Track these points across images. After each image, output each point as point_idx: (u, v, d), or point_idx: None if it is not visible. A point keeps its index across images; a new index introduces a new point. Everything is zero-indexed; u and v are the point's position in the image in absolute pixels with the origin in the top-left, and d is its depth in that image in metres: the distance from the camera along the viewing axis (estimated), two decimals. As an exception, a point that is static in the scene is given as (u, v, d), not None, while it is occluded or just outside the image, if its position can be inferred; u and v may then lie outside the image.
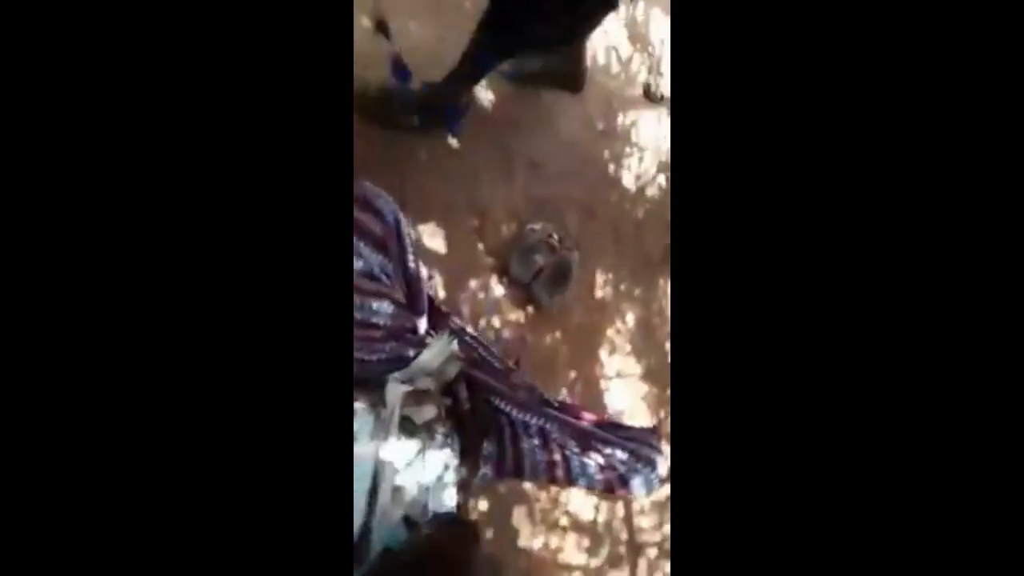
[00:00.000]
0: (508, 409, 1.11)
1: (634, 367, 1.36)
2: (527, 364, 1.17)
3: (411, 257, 0.92)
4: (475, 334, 1.06)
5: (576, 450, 1.09)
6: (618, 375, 1.33)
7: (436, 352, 1.05)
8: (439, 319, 1.03)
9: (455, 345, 1.05)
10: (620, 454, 1.05)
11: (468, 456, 1.11)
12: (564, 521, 1.20)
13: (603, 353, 1.33)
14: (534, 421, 1.09)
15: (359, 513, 0.74)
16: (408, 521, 0.82)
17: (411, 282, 0.94)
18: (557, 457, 1.11)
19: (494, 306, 1.16)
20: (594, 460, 1.08)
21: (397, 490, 0.82)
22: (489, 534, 1.10)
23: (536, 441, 1.12)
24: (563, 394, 1.22)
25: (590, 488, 1.12)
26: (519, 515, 1.16)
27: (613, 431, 1.09)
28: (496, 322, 1.17)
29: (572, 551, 1.20)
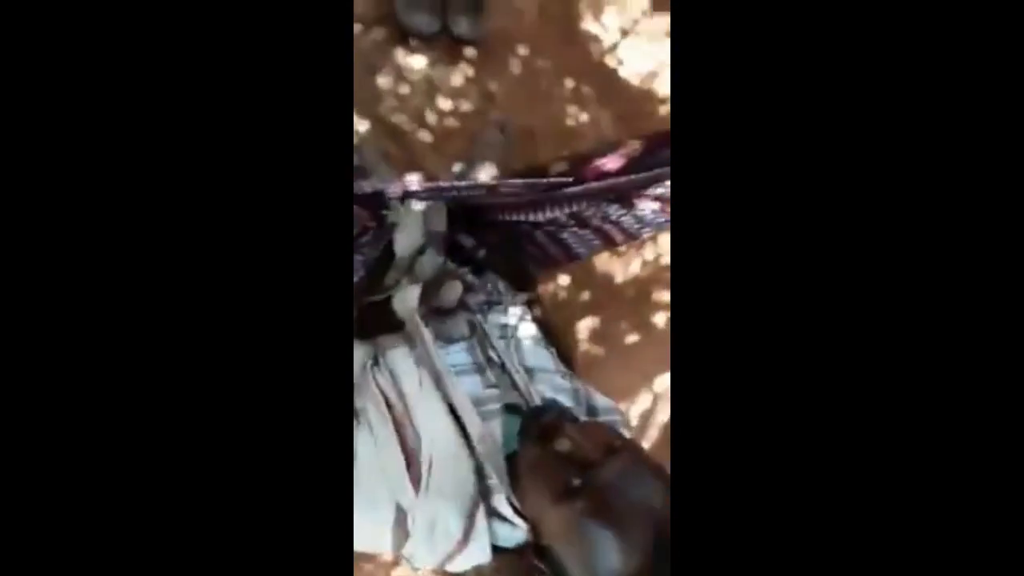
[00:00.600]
0: (523, 217, 0.91)
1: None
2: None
3: None
4: (436, 183, 0.79)
5: (622, 210, 0.90)
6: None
7: (409, 226, 0.82)
8: (375, 202, 0.77)
9: (420, 205, 0.81)
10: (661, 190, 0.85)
11: (516, 280, 0.98)
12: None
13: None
14: (558, 212, 0.89)
15: (464, 463, 0.65)
16: (511, 410, 0.73)
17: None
18: (608, 227, 0.94)
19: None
20: (648, 207, 0.89)
21: (480, 401, 0.70)
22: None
23: (575, 227, 0.94)
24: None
25: (658, 230, 0.97)
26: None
27: (642, 165, 0.86)
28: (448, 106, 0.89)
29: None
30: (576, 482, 0.53)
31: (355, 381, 0.76)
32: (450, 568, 0.65)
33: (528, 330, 0.92)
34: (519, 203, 0.87)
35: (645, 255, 1.67)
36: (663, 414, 1.71)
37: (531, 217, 0.90)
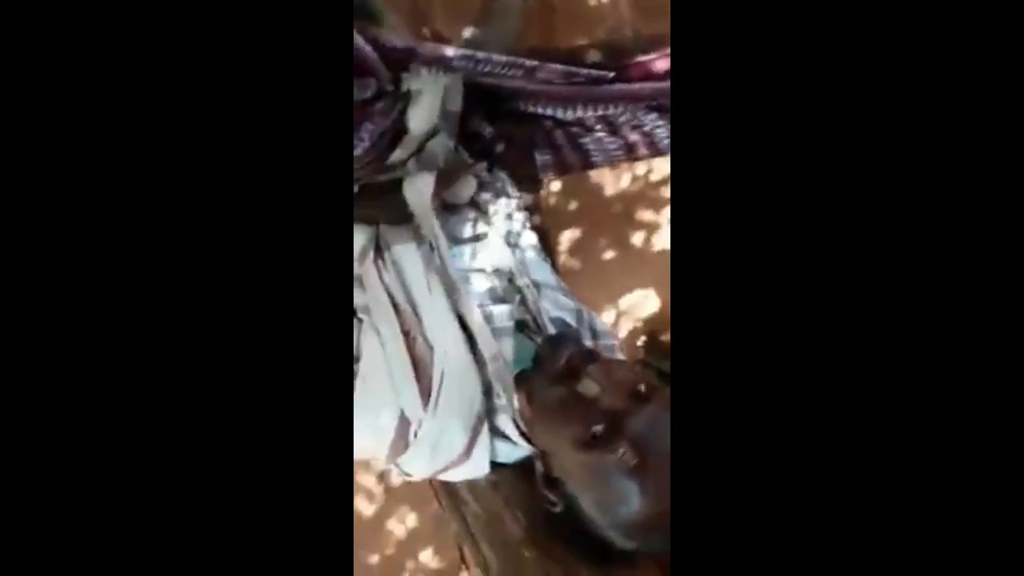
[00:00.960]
0: (548, 111, 0.80)
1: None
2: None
3: None
4: (465, 52, 0.66)
5: (659, 120, 0.81)
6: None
7: (429, 100, 0.69)
8: (403, 57, 0.63)
9: (446, 79, 0.68)
10: None
11: (524, 180, 0.89)
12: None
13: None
14: (589, 112, 0.78)
15: (472, 379, 0.60)
16: (523, 328, 0.68)
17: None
18: (635, 137, 0.85)
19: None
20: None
21: (490, 317, 0.64)
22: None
23: (600, 132, 0.84)
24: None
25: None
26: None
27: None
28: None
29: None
30: (599, 428, 0.50)
31: (357, 272, 0.68)
32: (444, 478, 0.63)
33: (530, 239, 0.85)
34: (549, 93, 0.76)
35: (636, 170, 1.60)
36: (622, 331, 1.76)
37: (558, 113, 0.79)
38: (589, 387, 0.52)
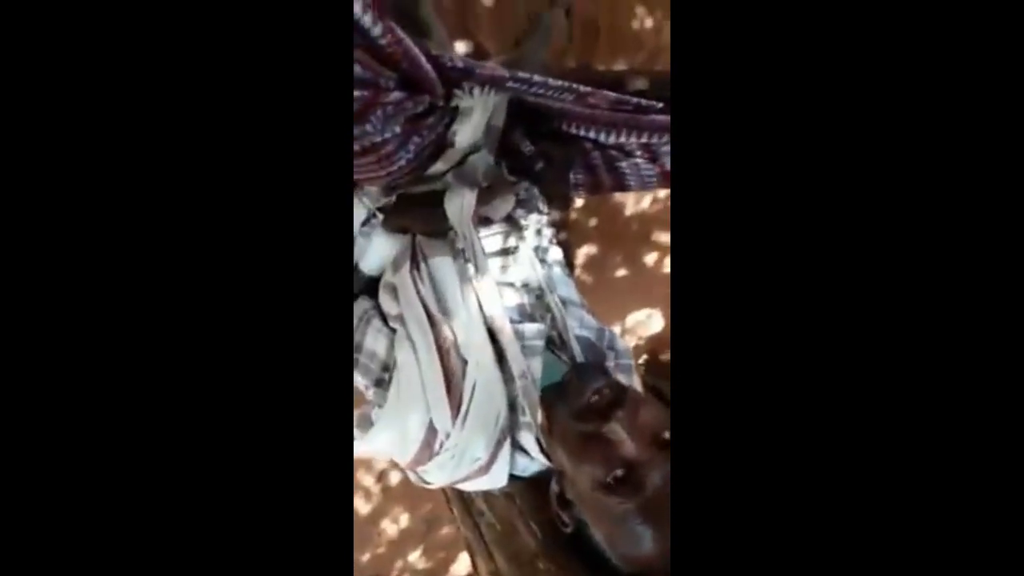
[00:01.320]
0: (591, 134, 0.81)
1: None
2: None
3: (368, 21, 0.49)
4: (521, 74, 0.66)
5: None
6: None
7: (477, 118, 0.70)
8: (460, 76, 0.64)
9: (496, 98, 0.69)
10: None
11: (557, 197, 0.90)
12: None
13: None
14: (633, 139, 0.79)
15: (499, 393, 0.61)
16: (549, 346, 0.69)
17: (387, 54, 0.53)
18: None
19: None
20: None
21: (521, 335, 0.65)
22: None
23: (639, 158, 0.85)
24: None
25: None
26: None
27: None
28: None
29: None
30: (619, 474, 0.51)
31: (390, 280, 0.69)
32: (462, 487, 0.64)
33: (556, 254, 0.86)
34: (594, 117, 0.77)
35: (657, 192, 1.61)
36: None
37: (600, 136, 0.80)
38: (615, 432, 0.52)
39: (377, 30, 0.50)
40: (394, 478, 1.35)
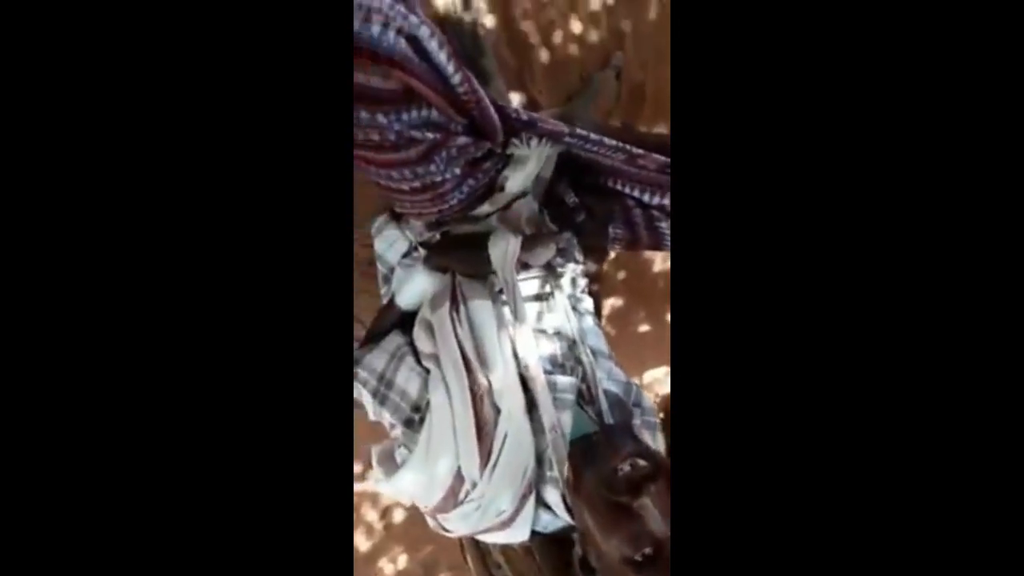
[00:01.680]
0: (635, 192, 0.82)
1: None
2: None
3: (451, 69, 0.51)
4: (580, 131, 0.68)
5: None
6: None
7: (530, 167, 0.72)
8: (522, 128, 0.66)
9: (549, 148, 0.71)
10: None
11: (594, 249, 0.91)
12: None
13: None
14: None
15: (528, 446, 0.60)
16: (579, 402, 0.68)
17: (462, 101, 0.56)
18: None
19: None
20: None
21: (553, 386, 0.64)
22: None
23: (681, 220, 0.86)
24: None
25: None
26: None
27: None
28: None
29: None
30: (649, 551, 0.49)
31: (427, 318, 0.69)
32: (483, 539, 0.62)
33: (588, 304, 0.86)
34: (641, 177, 0.79)
35: (686, 252, 1.62)
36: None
37: (644, 196, 0.82)
38: (647, 509, 0.51)
39: (457, 78, 0.53)
40: (398, 516, 1.32)
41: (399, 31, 0.46)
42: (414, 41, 0.48)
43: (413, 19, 0.47)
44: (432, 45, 0.49)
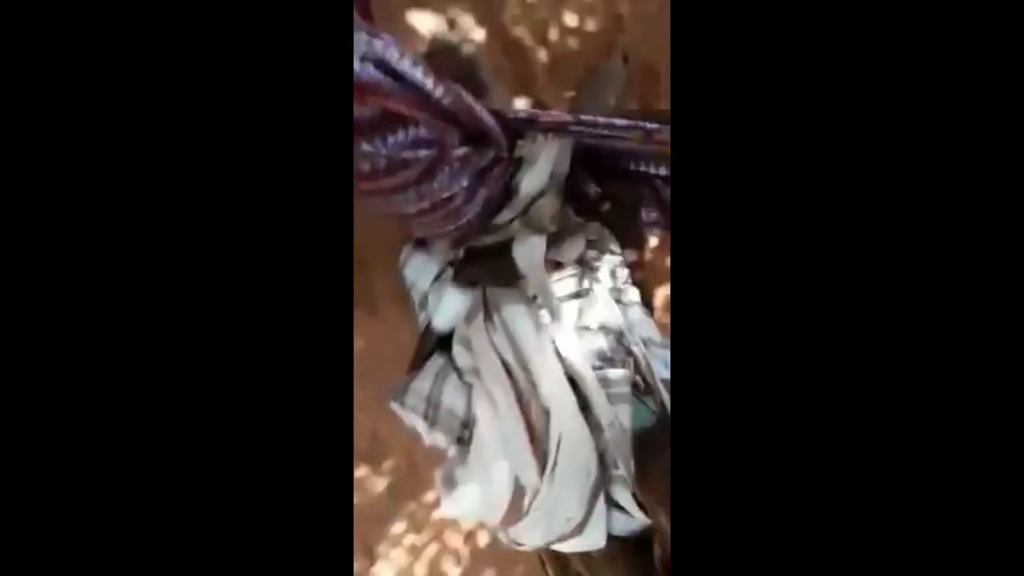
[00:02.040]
0: (660, 170, 0.79)
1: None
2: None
3: (430, 84, 0.52)
4: (585, 117, 0.67)
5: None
6: None
7: (541, 164, 0.71)
8: (522, 126, 0.65)
9: (558, 143, 0.70)
10: None
11: (629, 237, 0.88)
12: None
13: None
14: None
15: (587, 445, 0.57)
16: (636, 394, 0.65)
17: (449, 112, 0.56)
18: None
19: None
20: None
21: (605, 381, 0.62)
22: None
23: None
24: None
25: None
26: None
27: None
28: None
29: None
30: None
31: (463, 333, 0.69)
32: (558, 548, 0.60)
33: (633, 295, 0.83)
34: (662, 154, 0.76)
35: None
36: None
37: (668, 172, 0.78)
38: None
39: (439, 91, 0.53)
40: (482, 539, 1.31)
41: (362, 58, 0.47)
42: (381, 64, 0.48)
43: (377, 43, 0.47)
44: (404, 65, 0.49)
